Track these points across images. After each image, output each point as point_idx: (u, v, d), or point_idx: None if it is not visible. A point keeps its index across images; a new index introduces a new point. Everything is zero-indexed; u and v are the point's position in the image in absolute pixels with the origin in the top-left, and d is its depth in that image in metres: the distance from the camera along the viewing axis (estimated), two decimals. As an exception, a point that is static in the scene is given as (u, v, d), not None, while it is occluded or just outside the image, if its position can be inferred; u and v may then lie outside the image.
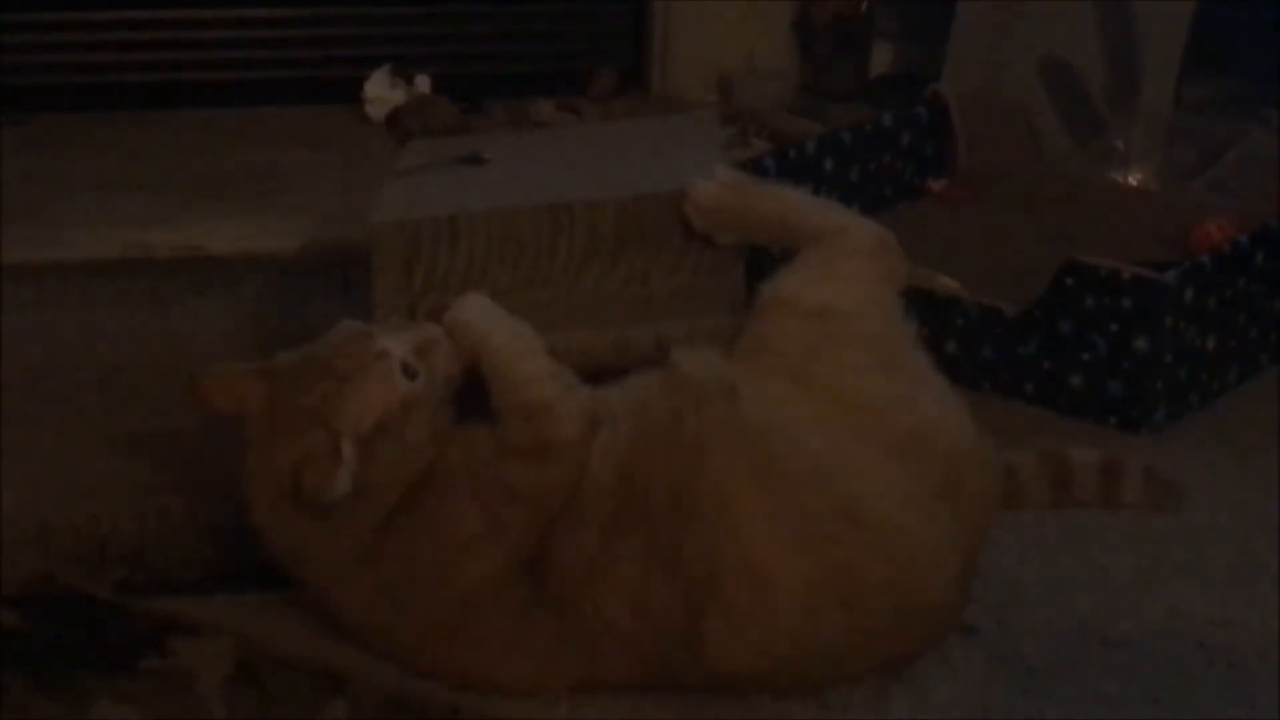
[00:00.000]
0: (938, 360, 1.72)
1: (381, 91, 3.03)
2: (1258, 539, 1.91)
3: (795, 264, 1.72)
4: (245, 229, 2.51)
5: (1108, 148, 2.79)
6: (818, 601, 1.56)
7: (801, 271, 1.71)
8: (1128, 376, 2.11)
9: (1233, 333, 2.21)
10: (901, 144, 2.71)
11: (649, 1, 3.18)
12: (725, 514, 1.56)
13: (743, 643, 1.57)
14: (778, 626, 1.57)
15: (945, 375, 1.71)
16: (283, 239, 2.48)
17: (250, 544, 1.67)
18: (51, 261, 2.43)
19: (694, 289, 1.84)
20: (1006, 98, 2.86)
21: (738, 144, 2.88)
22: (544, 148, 2.22)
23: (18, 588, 1.83)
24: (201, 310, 2.40)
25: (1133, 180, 2.77)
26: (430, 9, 3.18)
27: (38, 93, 3.03)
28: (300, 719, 1.66)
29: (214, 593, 1.81)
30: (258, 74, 3.13)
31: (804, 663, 1.60)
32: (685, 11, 3.16)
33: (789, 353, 1.66)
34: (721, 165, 1.83)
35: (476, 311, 1.70)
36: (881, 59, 3.23)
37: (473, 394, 1.67)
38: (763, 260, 1.81)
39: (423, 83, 3.07)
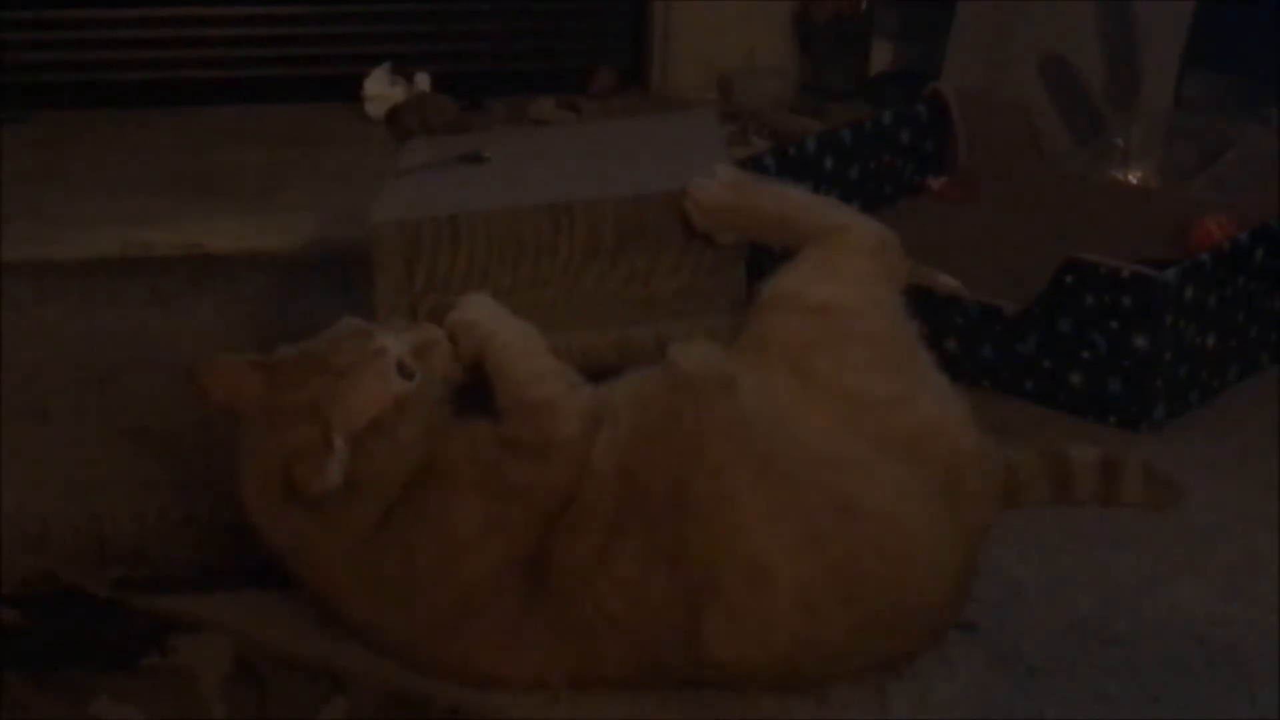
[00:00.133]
0: (938, 358, 1.72)
1: (381, 89, 3.03)
2: (1258, 537, 1.91)
3: (796, 262, 1.72)
4: (245, 227, 2.51)
5: (1108, 146, 2.79)
6: (816, 597, 1.56)
7: (802, 269, 1.71)
8: (1127, 374, 2.11)
9: (1232, 331, 2.21)
10: (901, 142, 2.71)
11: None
12: (724, 510, 1.56)
13: (741, 638, 1.57)
14: (776, 622, 1.57)
15: (945, 373, 1.71)
16: (282, 237, 2.48)
17: (250, 542, 1.67)
18: (51, 259, 2.43)
19: (695, 288, 1.84)
20: (1006, 96, 2.86)
21: (737, 142, 2.88)
22: (544, 146, 2.23)
23: (18, 586, 1.83)
24: (201, 308, 2.40)
25: (1133, 178, 2.77)
26: (430, 7, 3.18)
27: (38, 90, 3.03)
28: (300, 717, 1.66)
29: (214, 591, 1.81)
30: (257, 72, 3.13)
31: (803, 659, 1.60)
32: (685, 10, 3.17)
33: (789, 349, 1.66)
34: (723, 164, 1.83)
35: (481, 310, 1.71)
36: (881, 57, 3.23)
37: (474, 393, 1.67)
38: (763, 259, 1.81)
39: (423, 80, 3.07)
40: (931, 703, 1.64)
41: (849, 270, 1.71)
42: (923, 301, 1.75)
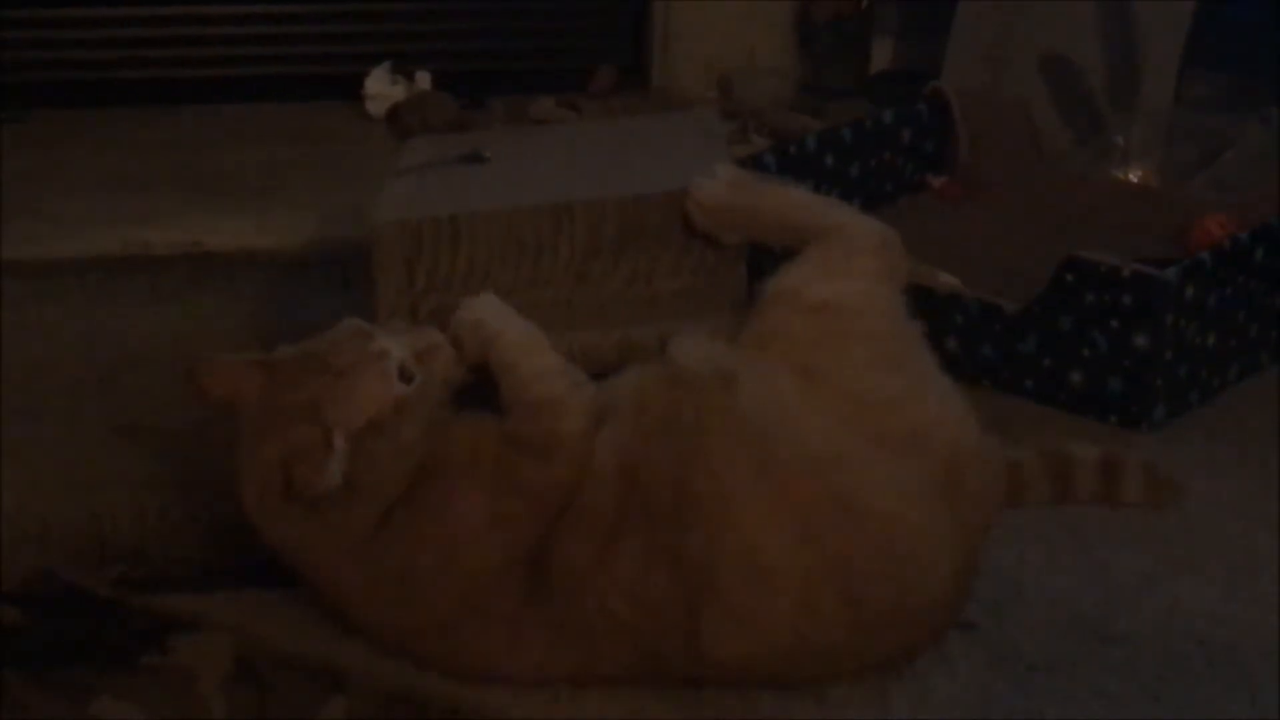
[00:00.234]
0: (938, 357, 1.72)
1: (382, 88, 3.03)
2: (1258, 536, 1.91)
3: (798, 261, 1.72)
4: (245, 226, 2.52)
5: (1108, 144, 2.79)
6: (815, 594, 1.56)
7: (804, 268, 1.71)
8: (1128, 373, 2.11)
9: (1233, 330, 2.21)
10: (902, 141, 2.71)
11: (649, -2, 3.19)
12: (723, 507, 1.56)
13: (740, 635, 1.57)
14: (775, 619, 1.57)
15: (945, 372, 1.71)
16: (282, 236, 2.49)
17: (250, 541, 1.67)
18: (51, 258, 2.43)
19: (696, 288, 1.84)
20: (1007, 95, 2.86)
21: (738, 141, 2.88)
22: (545, 146, 2.22)
23: (18, 584, 1.83)
24: (201, 307, 2.40)
25: (1133, 177, 2.77)
26: (431, 6, 3.18)
27: (37, 89, 3.04)
28: (300, 716, 1.66)
29: (214, 590, 1.81)
30: (257, 70, 3.13)
31: (801, 656, 1.60)
32: (686, 9, 3.17)
33: (790, 347, 1.66)
34: (724, 164, 1.83)
35: (487, 309, 1.71)
36: (882, 56, 3.23)
37: (476, 390, 1.68)
38: (763, 259, 1.81)
39: (423, 79, 3.07)
40: (931, 702, 1.64)
41: (851, 269, 1.71)
42: (923, 300, 1.75)
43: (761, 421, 1.59)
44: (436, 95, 3.01)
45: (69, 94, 3.04)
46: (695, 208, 1.80)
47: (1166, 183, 2.74)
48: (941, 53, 2.94)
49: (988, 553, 1.70)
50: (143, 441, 2.07)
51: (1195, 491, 1.94)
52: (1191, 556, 1.87)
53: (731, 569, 1.56)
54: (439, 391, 1.66)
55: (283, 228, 2.50)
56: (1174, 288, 2.09)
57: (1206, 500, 1.95)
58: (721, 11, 3.17)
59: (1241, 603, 1.79)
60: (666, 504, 1.57)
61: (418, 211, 1.85)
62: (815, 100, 3.12)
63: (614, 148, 2.08)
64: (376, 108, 3.02)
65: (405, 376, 1.63)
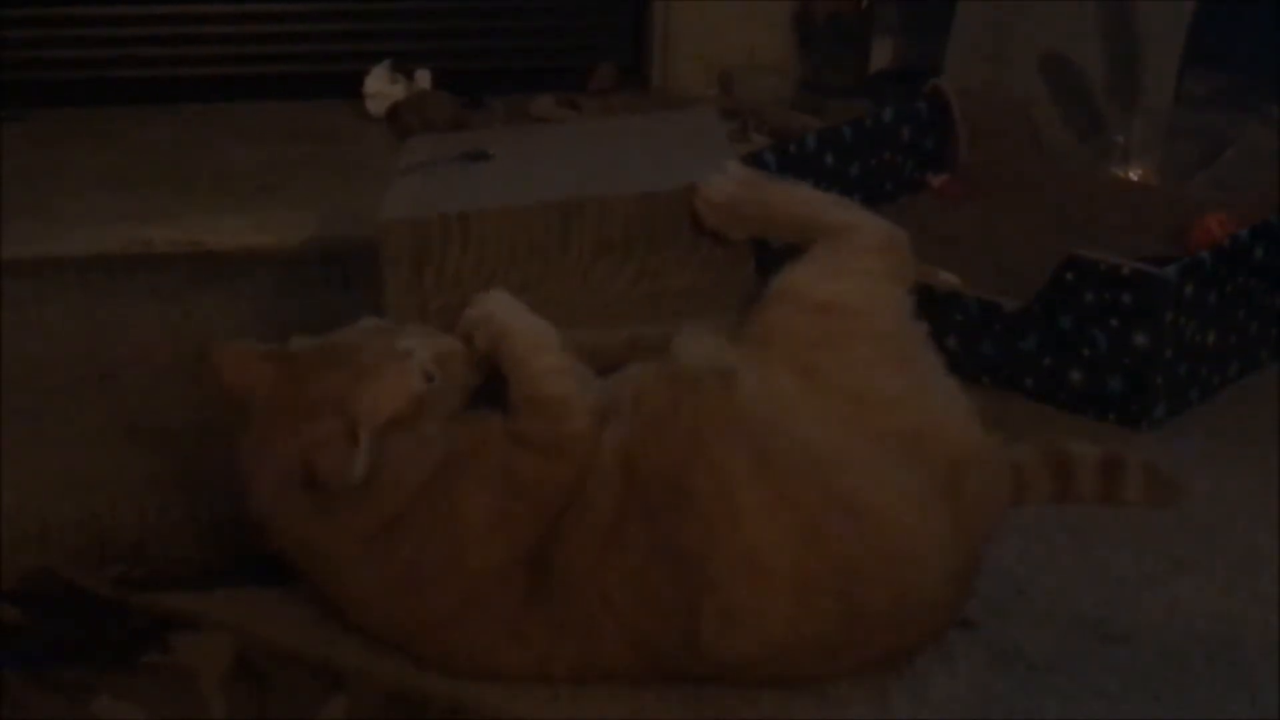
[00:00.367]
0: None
1: (382, 87, 3.03)
2: (1258, 534, 1.91)
3: (805, 258, 1.71)
4: (246, 224, 2.51)
5: (1108, 143, 2.79)
6: (813, 591, 1.56)
7: (811, 266, 1.71)
8: (1128, 372, 2.11)
9: (1233, 328, 2.21)
10: (902, 139, 2.71)
11: (649, -3, 3.19)
12: (722, 502, 1.56)
13: (739, 631, 1.57)
14: (773, 615, 1.57)
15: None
16: (283, 234, 2.48)
17: (250, 539, 1.67)
18: (52, 257, 2.43)
19: (705, 285, 1.84)
20: (1007, 93, 2.86)
21: (738, 139, 2.88)
22: (549, 144, 2.22)
23: (18, 583, 1.83)
24: (202, 306, 2.40)
25: (1133, 175, 2.77)
26: (431, 4, 3.18)
27: (38, 88, 3.03)
28: (300, 715, 1.66)
29: (214, 588, 1.81)
30: (258, 69, 3.13)
31: (800, 653, 1.60)
32: (686, 7, 3.17)
33: (793, 345, 1.66)
34: (733, 161, 1.84)
35: (498, 306, 1.71)
36: (882, 54, 3.23)
37: (482, 387, 1.68)
38: (766, 256, 1.81)
39: (423, 78, 3.07)
40: (931, 700, 1.64)
41: (856, 268, 1.71)
42: (923, 298, 1.75)
43: (761, 420, 1.59)
44: (436, 94, 3.01)
45: (69, 94, 3.04)
46: (704, 204, 1.80)
47: (1166, 181, 2.74)
48: (942, 51, 2.94)
49: (988, 551, 1.70)
50: (143, 440, 2.07)
51: (1195, 490, 1.94)
52: (1192, 555, 1.87)
53: (729, 565, 1.56)
54: (456, 396, 1.66)
55: (283, 226, 2.50)
56: (1174, 286, 2.09)
57: (1207, 499, 1.95)
58: (722, 10, 3.16)
59: (1242, 601, 1.79)
60: (666, 500, 1.57)
61: (426, 209, 1.85)
62: (815, 99, 3.12)
63: (617, 146, 2.08)
64: (376, 106, 3.02)
65: (426, 377, 1.63)
